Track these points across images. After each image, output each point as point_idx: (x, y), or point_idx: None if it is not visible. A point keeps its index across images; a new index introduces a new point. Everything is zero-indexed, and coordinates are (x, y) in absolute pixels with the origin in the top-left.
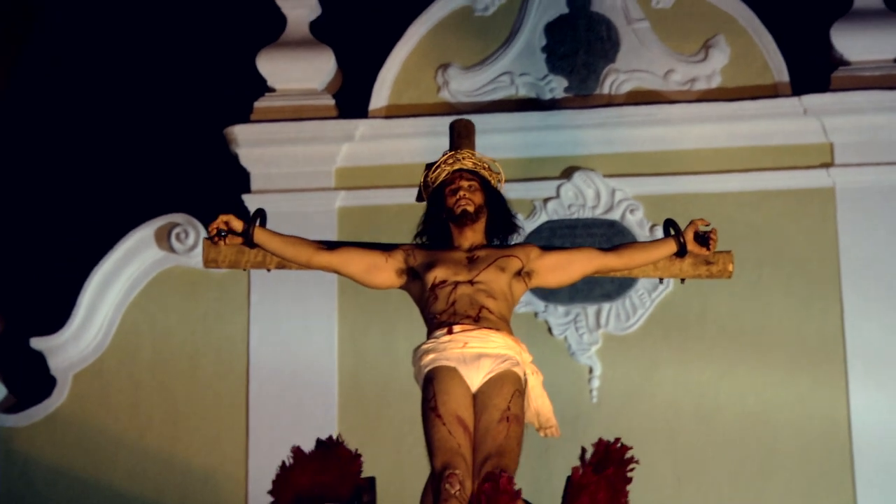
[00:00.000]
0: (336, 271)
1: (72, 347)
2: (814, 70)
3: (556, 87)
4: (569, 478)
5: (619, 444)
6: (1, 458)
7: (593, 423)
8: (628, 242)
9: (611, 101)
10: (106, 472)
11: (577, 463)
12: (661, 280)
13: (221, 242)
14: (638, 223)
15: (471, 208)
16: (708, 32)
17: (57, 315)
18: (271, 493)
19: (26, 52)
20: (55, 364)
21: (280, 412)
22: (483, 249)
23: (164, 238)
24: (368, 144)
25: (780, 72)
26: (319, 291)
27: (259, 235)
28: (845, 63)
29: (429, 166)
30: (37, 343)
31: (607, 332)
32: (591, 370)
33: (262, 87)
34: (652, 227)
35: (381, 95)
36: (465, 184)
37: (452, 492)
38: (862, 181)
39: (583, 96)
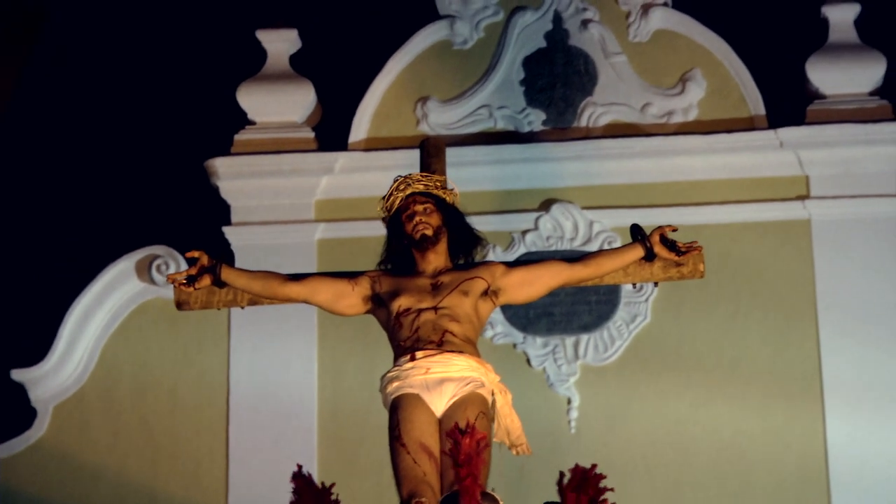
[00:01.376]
0: (305, 301)
1: (52, 379)
2: (790, 103)
3: (535, 120)
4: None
5: (594, 472)
6: None
7: (571, 453)
8: (595, 251)
9: (588, 134)
10: (86, 503)
11: (553, 491)
12: (634, 286)
13: (191, 288)
14: None
15: (429, 232)
16: (685, 66)
17: (37, 347)
18: None
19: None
20: (36, 396)
21: (260, 444)
22: (447, 273)
23: (144, 270)
24: (348, 177)
25: (756, 105)
26: (299, 324)
27: (226, 273)
28: (821, 96)
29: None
30: (17, 375)
31: (585, 364)
32: (569, 401)
33: (242, 120)
34: None
35: (360, 128)
36: (419, 207)
37: None
38: (837, 213)
39: (561, 129)
